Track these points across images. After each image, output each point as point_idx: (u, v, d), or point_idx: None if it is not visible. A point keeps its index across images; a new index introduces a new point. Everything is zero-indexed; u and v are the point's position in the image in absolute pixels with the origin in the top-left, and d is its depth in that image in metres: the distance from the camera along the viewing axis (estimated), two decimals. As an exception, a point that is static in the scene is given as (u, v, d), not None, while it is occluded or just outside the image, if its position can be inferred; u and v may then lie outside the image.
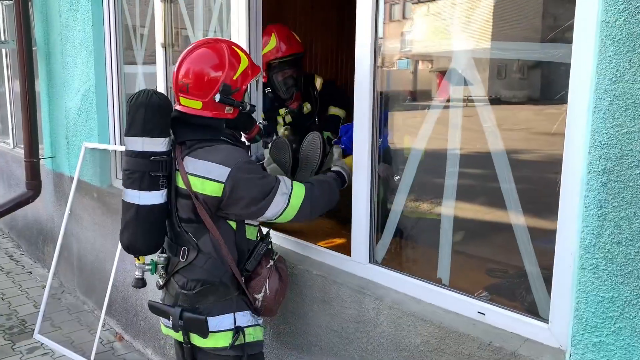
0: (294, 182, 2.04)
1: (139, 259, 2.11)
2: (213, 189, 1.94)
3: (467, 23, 1.99)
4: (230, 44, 2.09)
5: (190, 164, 1.99)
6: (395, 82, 2.36)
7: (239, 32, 2.61)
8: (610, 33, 1.34)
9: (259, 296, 2.07)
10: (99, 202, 4.06)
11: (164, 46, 3.30)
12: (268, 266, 2.10)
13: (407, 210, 2.16)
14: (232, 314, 2.03)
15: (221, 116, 2.04)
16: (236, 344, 2.01)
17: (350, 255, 2.23)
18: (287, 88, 3.24)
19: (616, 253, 1.38)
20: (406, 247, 2.19)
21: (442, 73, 2.12)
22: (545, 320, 1.64)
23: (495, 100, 1.96)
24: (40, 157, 4.70)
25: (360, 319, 2.08)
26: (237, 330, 2.01)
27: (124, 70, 3.98)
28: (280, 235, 2.58)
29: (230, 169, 1.92)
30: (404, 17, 2.43)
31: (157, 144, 1.98)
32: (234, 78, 2.01)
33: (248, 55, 2.11)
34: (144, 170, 1.99)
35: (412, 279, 2.01)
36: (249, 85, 2.10)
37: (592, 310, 1.44)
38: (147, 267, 2.11)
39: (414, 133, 2.11)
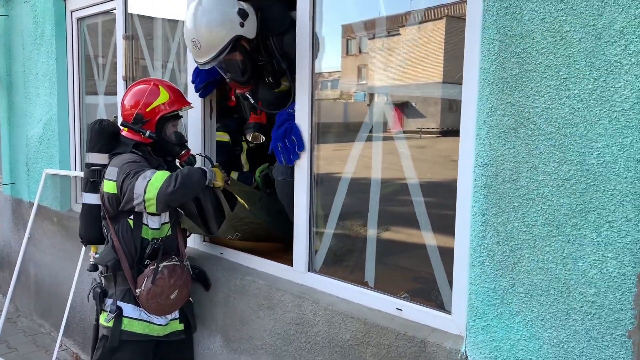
0: (163, 171, 2.47)
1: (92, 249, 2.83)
2: (112, 187, 2.49)
3: (403, 64, 2.36)
4: (158, 83, 2.64)
5: (107, 170, 2.55)
6: (352, 114, 2.69)
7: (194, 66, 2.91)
8: (486, 77, 1.71)
9: (138, 291, 2.48)
10: (58, 226, 4.22)
11: (125, 79, 3.57)
12: (151, 267, 2.49)
13: (339, 226, 2.47)
14: (114, 300, 2.53)
15: (137, 139, 2.60)
16: (113, 326, 2.51)
17: (292, 266, 2.52)
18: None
19: (496, 251, 1.72)
20: (339, 257, 2.50)
21: (398, 106, 2.47)
22: (449, 312, 1.96)
23: (415, 132, 2.33)
24: (-1, 183, 4.84)
25: (299, 321, 2.36)
26: (115, 314, 2.50)
27: (85, 100, 4.21)
28: (232, 251, 2.84)
29: (118, 168, 2.48)
30: (360, 52, 2.75)
31: (97, 158, 2.64)
32: (147, 110, 2.57)
33: (173, 92, 2.63)
34: (87, 177, 2.67)
35: (344, 283, 2.31)
36: (171, 116, 2.63)
37: (481, 299, 1.77)
38: (96, 255, 2.75)
39: (344, 162, 2.45)
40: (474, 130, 1.76)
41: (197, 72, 2.81)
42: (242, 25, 2.38)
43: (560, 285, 1.59)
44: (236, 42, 2.40)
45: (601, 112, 1.48)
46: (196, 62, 2.50)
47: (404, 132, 2.39)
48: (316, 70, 2.45)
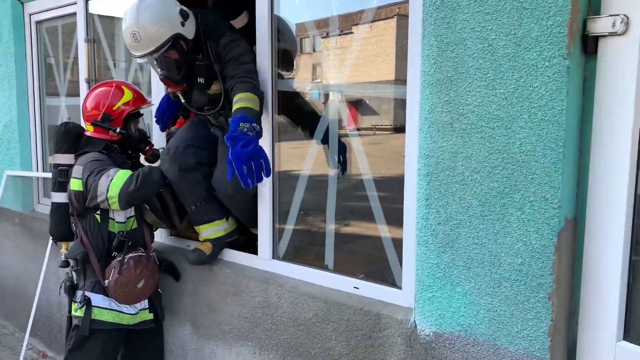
0: (125, 170, 2.63)
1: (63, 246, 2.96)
2: (78, 185, 2.64)
3: (347, 64, 2.58)
4: (120, 84, 2.82)
5: (73, 169, 2.71)
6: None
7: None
8: (426, 79, 1.95)
9: (106, 282, 2.64)
10: (21, 227, 4.26)
11: (88, 81, 3.66)
12: (118, 259, 2.65)
13: (299, 217, 2.68)
14: (83, 291, 2.68)
15: (106, 137, 2.76)
16: (83, 315, 2.65)
17: (257, 254, 2.71)
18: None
19: (438, 231, 1.96)
20: (301, 245, 2.70)
21: (353, 103, 2.66)
22: (400, 288, 2.20)
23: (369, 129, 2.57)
24: (-44, 186, 4.79)
25: (265, 304, 2.55)
26: (84, 304, 2.64)
27: (46, 102, 4.26)
28: (198, 244, 3.00)
29: (83, 167, 2.64)
30: (314, 50, 2.89)
31: (64, 159, 2.80)
32: (113, 109, 2.75)
33: (135, 91, 2.82)
34: (55, 177, 2.83)
35: (306, 268, 2.52)
36: (134, 113, 2.80)
37: (426, 274, 2.01)
38: (66, 251, 2.89)
39: (303, 159, 2.66)
40: (418, 125, 1.99)
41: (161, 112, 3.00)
42: (182, 24, 2.51)
43: (493, 257, 1.84)
44: (175, 40, 2.51)
45: (522, 108, 1.73)
46: (133, 55, 2.58)
47: (359, 129, 2.62)
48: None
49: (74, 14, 3.71)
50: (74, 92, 3.93)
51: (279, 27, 2.63)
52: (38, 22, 4.12)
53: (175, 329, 3.01)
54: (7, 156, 4.33)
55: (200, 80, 2.69)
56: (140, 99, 2.84)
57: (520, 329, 1.80)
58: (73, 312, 2.72)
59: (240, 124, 2.26)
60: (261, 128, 2.36)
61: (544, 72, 1.68)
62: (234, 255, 2.82)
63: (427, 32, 1.93)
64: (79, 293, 2.70)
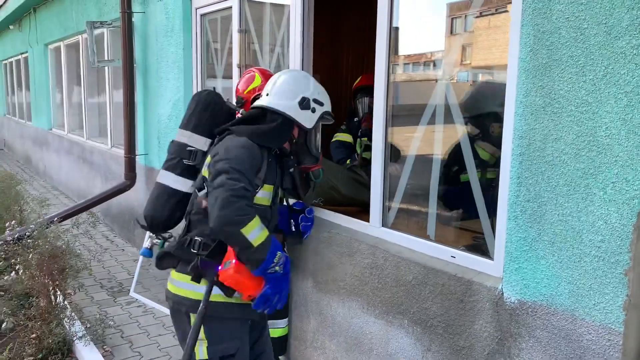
0: None
1: None
2: None
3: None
4: (257, 70, 3.24)
5: None
6: (454, 95, 2.85)
7: (295, 56, 3.48)
8: (523, 65, 2.10)
9: None
10: (182, 190, 5.04)
11: (239, 66, 4.23)
12: None
13: (407, 190, 2.95)
14: None
15: None
16: None
17: (368, 222, 3.03)
18: None
19: (527, 207, 2.12)
20: (408, 215, 2.97)
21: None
22: (492, 259, 2.38)
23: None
24: (135, 153, 5.78)
25: (373, 266, 2.88)
26: None
27: (206, 83, 4.96)
28: (321, 210, 3.41)
29: None
30: (465, 30, 2.94)
31: None
32: (245, 92, 3.20)
33: (264, 79, 3.10)
34: None
35: (410, 236, 2.79)
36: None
37: (515, 247, 2.18)
38: None
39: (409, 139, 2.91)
40: (514, 108, 2.15)
41: None
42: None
43: (575, 234, 1.96)
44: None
45: (609, 94, 1.83)
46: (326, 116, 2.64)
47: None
48: (416, 51, 2.84)
49: (231, 7, 4.29)
50: (227, 75, 4.55)
51: None
52: (202, 15, 4.80)
53: (300, 282, 3.46)
54: (175, 129, 5.12)
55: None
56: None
57: (597, 301, 1.91)
58: None
59: (278, 253, 2.30)
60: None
61: (632, 60, 1.76)
62: (349, 221, 3.18)
63: (525, 22, 2.07)
64: None
